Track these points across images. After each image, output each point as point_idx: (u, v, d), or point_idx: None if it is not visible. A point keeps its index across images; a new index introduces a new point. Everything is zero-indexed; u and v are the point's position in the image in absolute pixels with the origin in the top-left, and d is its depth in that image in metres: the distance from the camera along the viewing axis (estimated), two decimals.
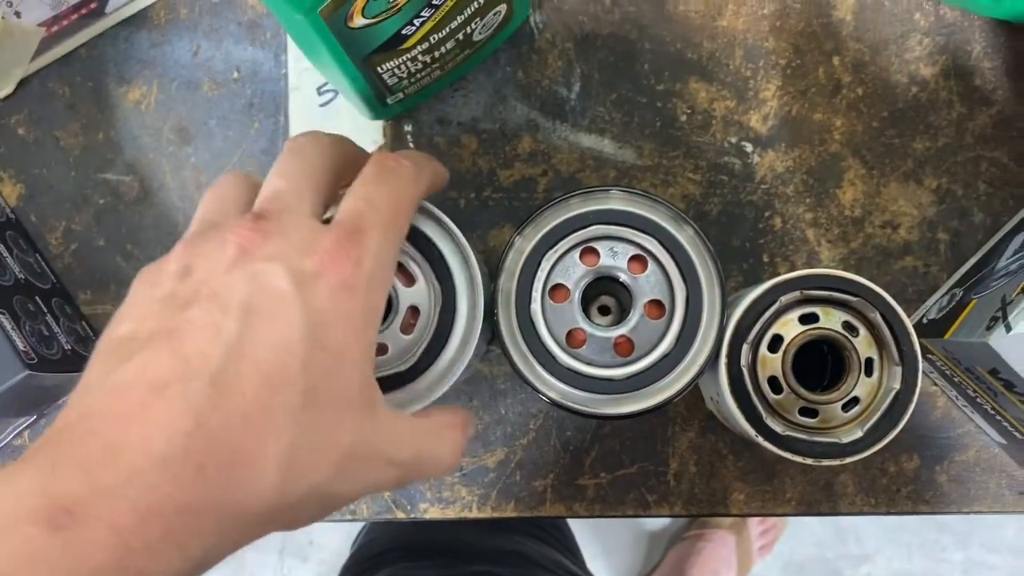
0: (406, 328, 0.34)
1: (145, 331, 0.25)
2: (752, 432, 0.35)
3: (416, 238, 0.34)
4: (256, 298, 0.25)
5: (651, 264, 0.36)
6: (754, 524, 1.34)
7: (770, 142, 0.45)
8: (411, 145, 0.46)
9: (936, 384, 0.45)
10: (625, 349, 0.36)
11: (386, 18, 0.34)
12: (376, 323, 0.28)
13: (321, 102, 0.46)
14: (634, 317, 0.35)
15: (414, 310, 0.34)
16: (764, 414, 0.35)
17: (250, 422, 0.24)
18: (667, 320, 0.35)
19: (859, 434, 0.35)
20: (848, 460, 0.34)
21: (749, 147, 0.45)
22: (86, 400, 0.24)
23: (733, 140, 0.45)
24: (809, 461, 0.34)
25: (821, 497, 0.45)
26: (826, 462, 0.34)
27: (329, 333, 0.26)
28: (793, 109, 0.45)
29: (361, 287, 0.27)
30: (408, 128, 0.46)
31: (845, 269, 0.44)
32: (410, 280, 0.34)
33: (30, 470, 0.22)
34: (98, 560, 0.21)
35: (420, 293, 0.34)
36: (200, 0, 0.47)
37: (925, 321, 0.43)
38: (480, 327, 0.33)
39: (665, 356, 0.35)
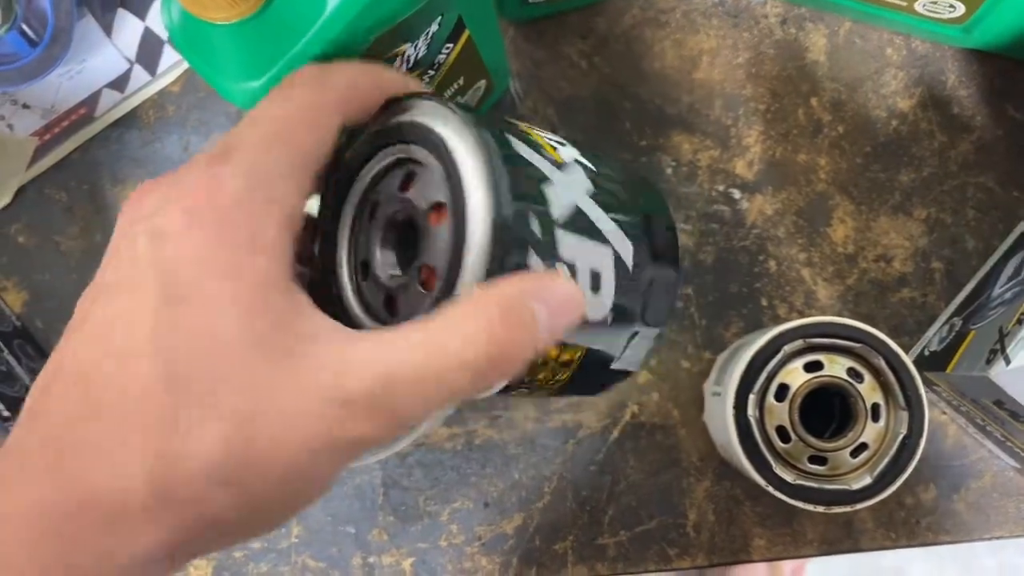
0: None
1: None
2: (763, 482, 0.35)
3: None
4: (118, 272, 0.23)
5: (419, 172, 0.26)
6: None
7: (757, 187, 0.46)
8: None
9: (945, 413, 0.45)
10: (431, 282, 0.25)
11: None
12: (259, 245, 0.22)
13: None
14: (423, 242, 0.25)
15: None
16: (774, 464, 0.35)
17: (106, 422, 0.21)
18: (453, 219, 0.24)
19: (868, 480, 0.35)
20: (859, 506, 0.35)
21: (737, 193, 0.46)
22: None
23: (720, 188, 0.46)
24: (820, 509, 0.34)
25: (842, 535, 0.45)
26: (836, 509, 0.35)
27: (180, 281, 0.21)
28: (776, 152, 0.46)
29: (217, 209, 0.22)
30: None
31: (843, 306, 0.45)
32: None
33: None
34: None
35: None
36: (187, 96, 0.48)
37: (927, 353, 0.43)
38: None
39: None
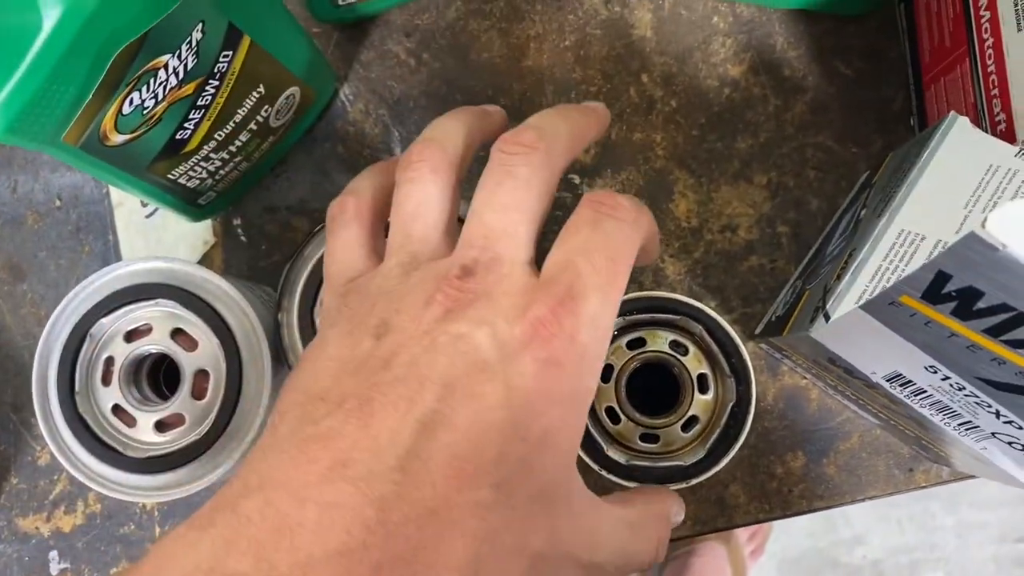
0: (199, 393, 0.34)
1: (337, 393, 0.23)
2: (595, 466, 0.34)
3: (188, 301, 0.34)
4: (455, 369, 0.23)
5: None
6: (741, 529, 1.33)
7: (596, 170, 0.45)
8: (243, 239, 0.46)
9: (805, 378, 0.44)
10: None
11: (148, 130, 0.34)
12: (586, 407, 0.25)
13: (146, 213, 0.46)
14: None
15: (203, 373, 0.34)
16: (605, 446, 0.34)
17: (436, 519, 0.21)
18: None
19: (702, 454, 0.34)
20: (694, 481, 0.34)
21: (577, 179, 0.45)
22: (268, 461, 0.22)
23: None
24: None
25: (715, 512, 0.44)
26: (672, 487, 0.34)
27: (531, 418, 0.23)
28: (612, 133, 0.45)
29: (572, 365, 0.24)
30: (237, 222, 0.46)
31: (692, 280, 0.44)
32: (192, 344, 0.34)
33: (208, 540, 0.21)
34: None
35: (206, 354, 0.34)
36: None
37: (773, 319, 0.42)
38: (270, 372, 0.34)
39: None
